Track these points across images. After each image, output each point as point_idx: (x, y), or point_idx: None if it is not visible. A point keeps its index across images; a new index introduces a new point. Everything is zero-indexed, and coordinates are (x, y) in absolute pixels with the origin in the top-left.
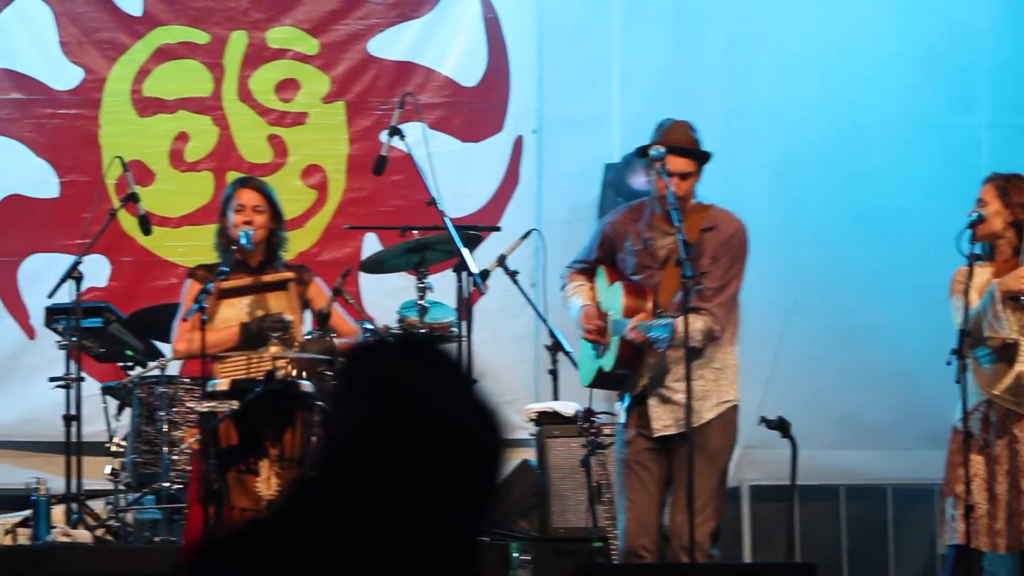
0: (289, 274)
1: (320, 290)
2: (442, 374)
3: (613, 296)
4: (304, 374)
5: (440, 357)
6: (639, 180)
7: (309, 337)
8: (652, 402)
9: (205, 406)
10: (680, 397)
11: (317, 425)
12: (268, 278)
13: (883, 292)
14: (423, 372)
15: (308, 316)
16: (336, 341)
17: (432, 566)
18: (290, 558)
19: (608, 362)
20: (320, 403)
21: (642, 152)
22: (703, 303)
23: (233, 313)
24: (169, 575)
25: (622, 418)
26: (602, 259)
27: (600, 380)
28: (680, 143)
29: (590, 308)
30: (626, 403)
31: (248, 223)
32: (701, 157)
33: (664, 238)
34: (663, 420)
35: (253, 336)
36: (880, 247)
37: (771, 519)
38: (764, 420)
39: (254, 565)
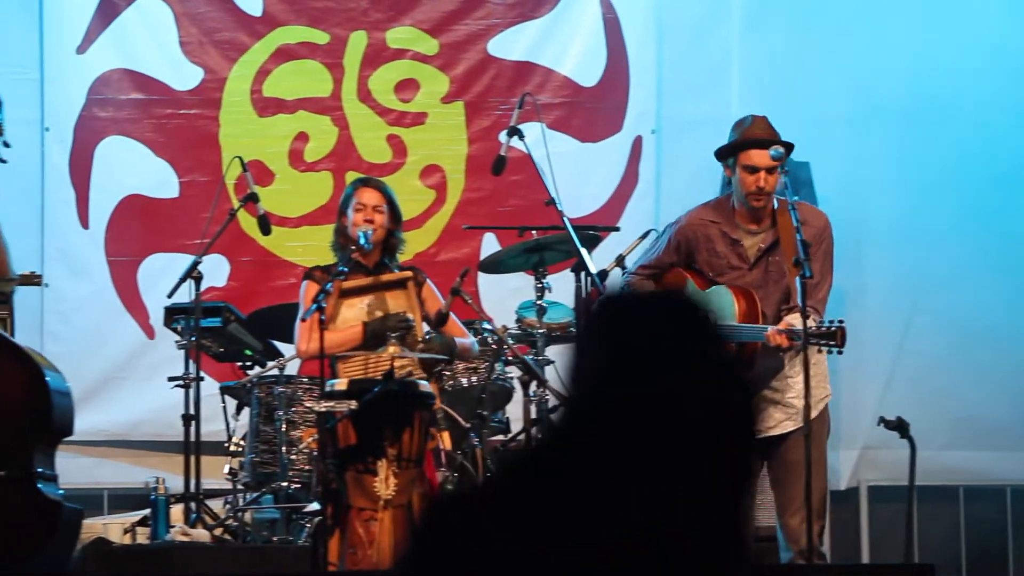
0: (408, 273)
1: (432, 292)
2: (700, 334)
3: (719, 300)
4: (421, 374)
5: (699, 315)
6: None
7: (428, 337)
8: (760, 404)
9: (323, 406)
10: (788, 396)
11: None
12: (388, 277)
13: (1004, 292)
14: (679, 329)
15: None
16: (457, 340)
17: (684, 544)
18: (530, 517)
19: None
20: (434, 403)
21: (723, 152)
22: (810, 298)
23: (353, 313)
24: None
25: None
26: (676, 262)
27: None
28: (766, 137)
29: None
30: None
31: (369, 221)
32: (785, 150)
33: (751, 237)
34: (773, 419)
35: (376, 336)
36: (1002, 247)
37: (889, 520)
38: (883, 420)
39: (491, 525)
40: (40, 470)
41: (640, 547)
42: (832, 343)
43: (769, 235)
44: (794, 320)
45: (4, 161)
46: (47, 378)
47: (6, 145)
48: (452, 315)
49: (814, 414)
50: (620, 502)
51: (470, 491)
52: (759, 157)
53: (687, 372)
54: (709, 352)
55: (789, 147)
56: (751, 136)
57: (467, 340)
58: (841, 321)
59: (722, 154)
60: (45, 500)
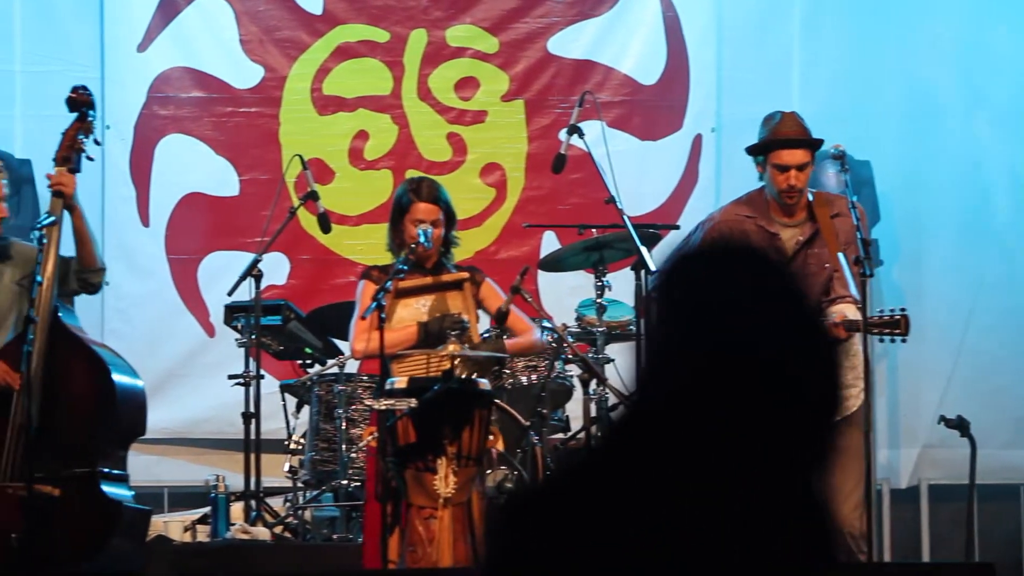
0: (465, 274)
1: (492, 290)
2: (787, 291)
3: None
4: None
5: (782, 269)
6: (829, 178)
7: (485, 337)
8: None
9: (383, 404)
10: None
11: (493, 423)
12: (446, 278)
13: None
14: (764, 286)
15: (480, 315)
16: (508, 341)
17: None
18: (610, 511)
19: None
20: (496, 401)
21: (754, 149)
22: (845, 291)
23: (409, 313)
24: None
25: None
26: None
27: None
28: (796, 135)
29: None
30: None
31: (427, 234)
32: (815, 147)
33: (788, 230)
34: None
35: (432, 336)
36: None
37: (949, 519)
38: (943, 419)
39: (574, 517)
40: (105, 470)
41: (730, 534)
42: (896, 331)
43: (807, 228)
44: (846, 310)
45: (91, 159)
46: (114, 378)
47: (97, 143)
48: (515, 308)
49: (858, 403)
50: (706, 489)
51: (548, 486)
52: (789, 156)
53: (779, 336)
54: (797, 312)
55: (818, 144)
56: (781, 134)
57: (531, 336)
58: (903, 309)
59: (753, 152)
60: (105, 500)
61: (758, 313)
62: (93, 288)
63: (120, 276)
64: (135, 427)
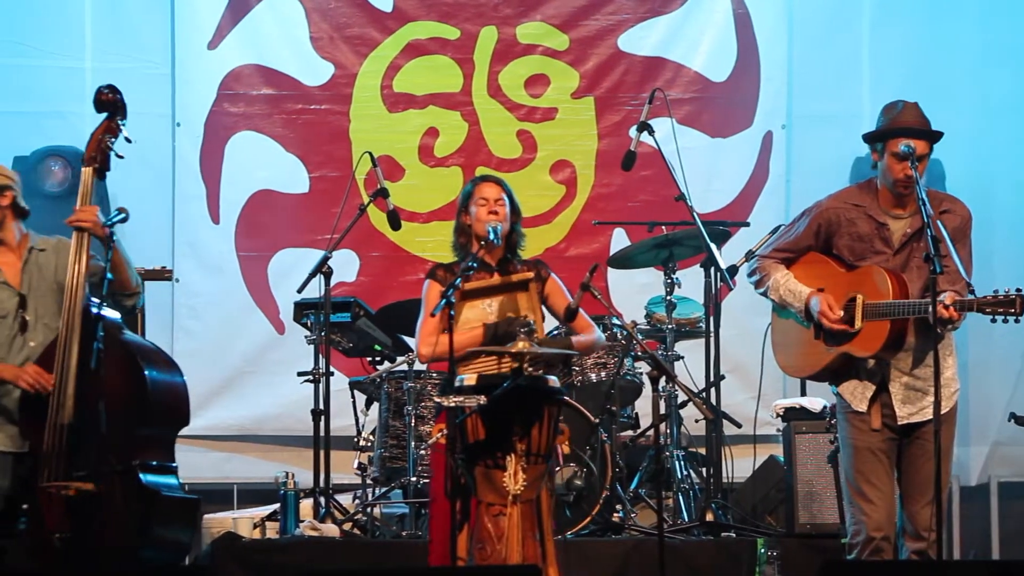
0: (529, 274)
1: (557, 285)
2: None
3: (874, 278)
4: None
5: None
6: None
7: (552, 335)
8: (898, 389)
9: (452, 401)
10: (931, 384)
11: (562, 420)
12: (512, 278)
13: None
14: None
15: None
16: (573, 339)
17: None
18: None
19: (866, 347)
20: (565, 398)
21: (872, 137)
22: (951, 287)
23: (475, 314)
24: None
25: (862, 408)
26: (813, 247)
27: (827, 368)
28: (918, 124)
29: (828, 296)
30: (867, 392)
31: (494, 214)
32: (934, 139)
33: (897, 222)
34: (916, 406)
35: (499, 339)
36: None
37: (1020, 516)
38: (1014, 416)
39: None
40: (145, 462)
41: None
42: (1011, 311)
43: (916, 220)
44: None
45: (120, 156)
46: (146, 371)
47: (128, 140)
48: (579, 309)
49: (950, 404)
50: None
51: None
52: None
53: None
54: None
55: (937, 136)
56: (902, 123)
57: (593, 334)
58: (1019, 289)
59: (871, 139)
60: (143, 489)
61: None
62: (126, 309)
63: (190, 273)
64: (176, 417)
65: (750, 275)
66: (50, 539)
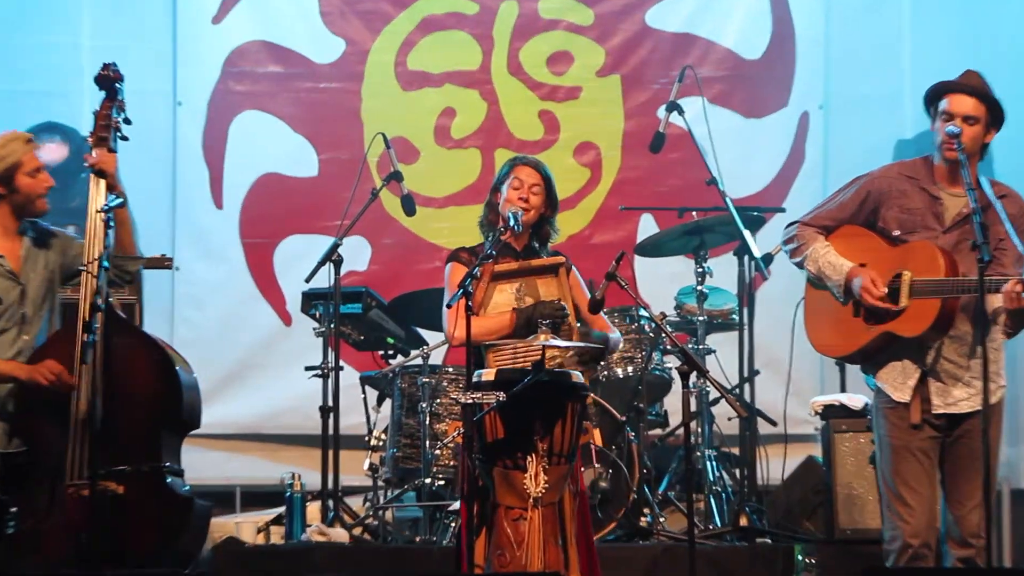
0: (560, 258)
1: (577, 281)
2: None
3: (924, 253)
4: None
5: None
6: None
7: (581, 329)
8: (942, 380)
9: (470, 397)
10: (969, 375)
11: (587, 418)
12: (539, 262)
13: None
14: None
15: None
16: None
17: None
18: None
19: (911, 327)
20: (590, 395)
21: (927, 99)
22: (1009, 270)
23: (504, 299)
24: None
25: (903, 397)
26: (855, 218)
27: (864, 349)
28: (970, 84)
29: (871, 271)
30: (908, 380)
31: (523, 200)
32: (990, 104)
33: (952, 199)
34: (953, 396)
35: (529, 323)
36: None
37: None
38: None
39: None
40: (168, 464)
41: None
42: None
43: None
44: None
45: (126, 138)
46: (177, 369)
47: (127, 122)
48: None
49: (996, 399)
50: None
51: None
52: (957, 104)
53: None
54: None
55: (993, 101)
56: (953, 82)
57: (612, 334)
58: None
59: (927, 101)
60: (175, 496)
61: None
62: (128, 277)
63: (192, 262)
64: (194, 419)
65: (786, 242)
66: (75, 538)
